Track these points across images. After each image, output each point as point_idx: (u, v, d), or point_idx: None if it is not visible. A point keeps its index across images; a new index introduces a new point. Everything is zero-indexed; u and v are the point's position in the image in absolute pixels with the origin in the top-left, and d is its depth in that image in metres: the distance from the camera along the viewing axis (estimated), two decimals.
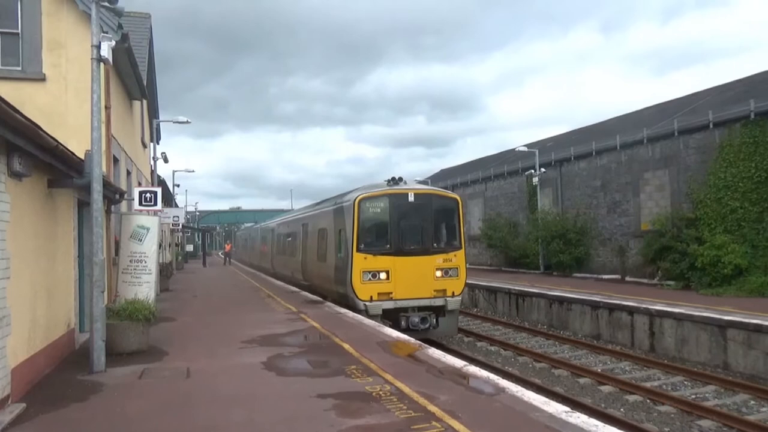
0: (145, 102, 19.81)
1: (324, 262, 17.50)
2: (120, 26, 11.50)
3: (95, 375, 7.92)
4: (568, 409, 6.08)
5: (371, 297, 14.31)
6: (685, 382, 11.85)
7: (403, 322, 14.17)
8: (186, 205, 57.71)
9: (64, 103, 11.41)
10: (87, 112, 8.83)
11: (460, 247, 15.26)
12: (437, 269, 14.81)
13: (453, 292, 14.93)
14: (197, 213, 73.32)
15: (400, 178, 15.36)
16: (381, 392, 6.76)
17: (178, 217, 27.77)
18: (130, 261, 12.08)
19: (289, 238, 24.84)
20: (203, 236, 60.29)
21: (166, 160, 27.62)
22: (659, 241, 20.94)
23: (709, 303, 15.39)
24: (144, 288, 11.83)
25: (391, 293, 14.43)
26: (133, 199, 13.60)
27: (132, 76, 14.42)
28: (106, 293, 10.12)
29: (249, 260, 46.07)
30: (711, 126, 20.34)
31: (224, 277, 31.29)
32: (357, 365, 8.25)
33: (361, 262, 14.34)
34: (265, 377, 7.76)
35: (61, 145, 7.26)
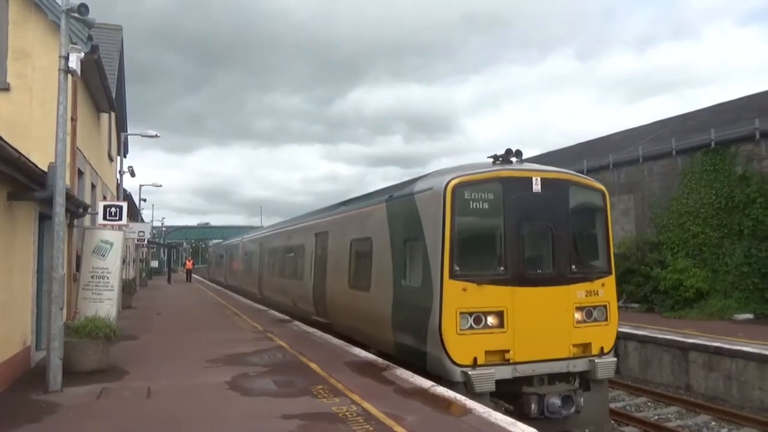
0: (113, 115, 19.50)
1: (367, 293, 11.12)
2: (90, 38, 11.33)
3: (51, 395, 7.63)
4: (534, 430, 6.09)
5: (475, 358, 8.25)
6: (649, 404, 12.02)
7: (533, 406, 8.20)
8: (152, 220, 56.80)
9: (28, 114, 11.15)
10: (52, 124, 8.59)
11: (610, 272, 9.29)
12: (577, 308, 8.87)
13: (602, 348, 8.95)
14: (163, 228, 72.16)
15: (518, 152, 9.24)
16: (348, 413, 6.67)
17: (143, 232, 27.29)
18: (92, 277, 11.78)
19: (290, 254, 18.36)
20: (169, 252, 59.18)
21: (132, 174, 27.19)
22: (624, 264, 21.28)
23: (672, 326, 15.71)
24: (105, 305, 11.54)
25: (508, 352, 8.41)
26: (97, 213, 13.30)
27: (100, 89, 14.20)
28: (65, 310, 9.81)
29: (226, 281, 36.90)
30: (674, 153, 20.97)
31: (189, 294, 30.68)
32: (324, 385, 8.15)
33: (457, 295, 8.31)
34: (229, 397, 7.59)
35: (24, 156, 7.07)
